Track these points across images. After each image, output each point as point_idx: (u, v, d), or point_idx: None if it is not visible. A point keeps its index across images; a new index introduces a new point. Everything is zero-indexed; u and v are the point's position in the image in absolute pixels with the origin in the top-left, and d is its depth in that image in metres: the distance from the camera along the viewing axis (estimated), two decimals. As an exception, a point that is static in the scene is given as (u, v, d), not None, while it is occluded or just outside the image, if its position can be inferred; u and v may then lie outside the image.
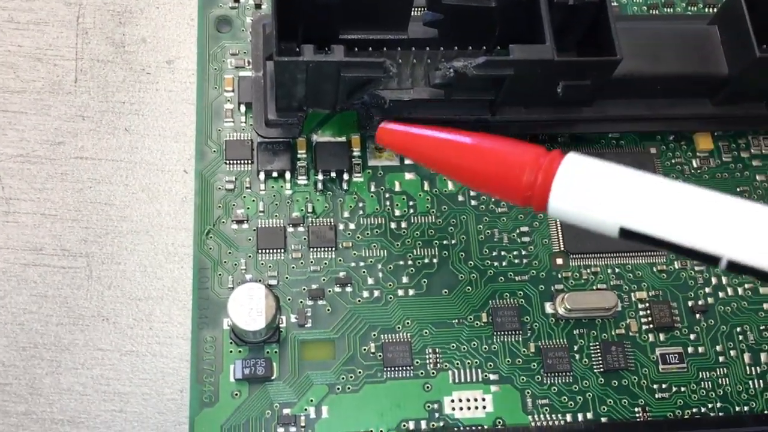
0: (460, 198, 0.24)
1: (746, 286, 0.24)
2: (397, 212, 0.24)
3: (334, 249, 0.23)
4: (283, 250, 0.23)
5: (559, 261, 0.24)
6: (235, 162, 0.24)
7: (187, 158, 0.24)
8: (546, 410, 0.22)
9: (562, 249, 0.24)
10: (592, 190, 0.17)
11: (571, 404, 0.22)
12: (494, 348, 0.22)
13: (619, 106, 0.24)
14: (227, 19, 0.25)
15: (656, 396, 0.22)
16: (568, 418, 0.22)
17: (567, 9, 0.22)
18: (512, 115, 0.24)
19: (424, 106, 0.23)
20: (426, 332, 0.22)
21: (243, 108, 0.24)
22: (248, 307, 0.20)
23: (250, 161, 0.24)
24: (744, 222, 0.16)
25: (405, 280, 0.23)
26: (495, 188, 0.19)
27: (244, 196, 0.23)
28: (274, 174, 0.23)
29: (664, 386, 0.22)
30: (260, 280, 0.22)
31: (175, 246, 0.23)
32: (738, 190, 0.25)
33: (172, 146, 0.24)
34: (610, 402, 0.22)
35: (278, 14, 0.21)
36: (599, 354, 0.22)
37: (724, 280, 0.24)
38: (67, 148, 0.24)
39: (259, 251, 0.23)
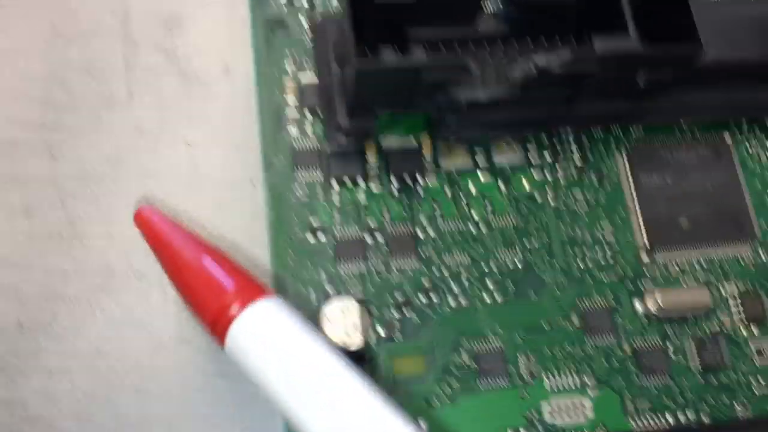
0: (538, 199, 0.23)
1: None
2: (476, 215, 0.23)
3: (415, 257, 0.22)
4: (363, 261, 0.22)
5: (645, 258, 0.23)
6: (305, 170, 0.23)
7: (253, 169, 0.23)
8: (647, 412, 0.21)
9: (647, 245, 0.23)
10: (260, 352, 0.18)
11: (671, 404, 0.21)
12: (588, 351, 0.22)
13: (694, 94, 0.24)
14: (281, 21, 0.24)
15: (757, 393, 0.22)
16: (669, 418, 0.21)
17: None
18: (588, 108, 0.23)
19: (498, 106, 0.22)
20: (518, 338, 0.22)
21: (308, 114, 0.23)
22: (343, 324, 0.20)
23: (320, 169, 0.23)
24: None
25: (491, 285, 0.22)
26: (195, 301, 0.19)
27: (318, 206, 0.22)
28: (347, 181, 0.23)
29: (762, 382, 0.22)
30: (340, 292, 0.21)
31: (250, 261, 0.22)
32: (816, 176, 0.24)
33: (236, 157, 0.23)
34: (709, 400, 0.22)
35: (353, 18, 0.20)
36: (695, 352, 0.22)
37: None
38: (128, 165, 0.23)
39: (339, 263, 0.22)
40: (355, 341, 0.19)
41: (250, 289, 0.18)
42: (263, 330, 0.18)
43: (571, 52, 0.20)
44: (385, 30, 0.21)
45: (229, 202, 0.23)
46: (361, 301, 0.21)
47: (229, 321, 0.18)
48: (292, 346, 0.18)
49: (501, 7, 0.22)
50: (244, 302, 0.18)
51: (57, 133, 0.23)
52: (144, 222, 0.20)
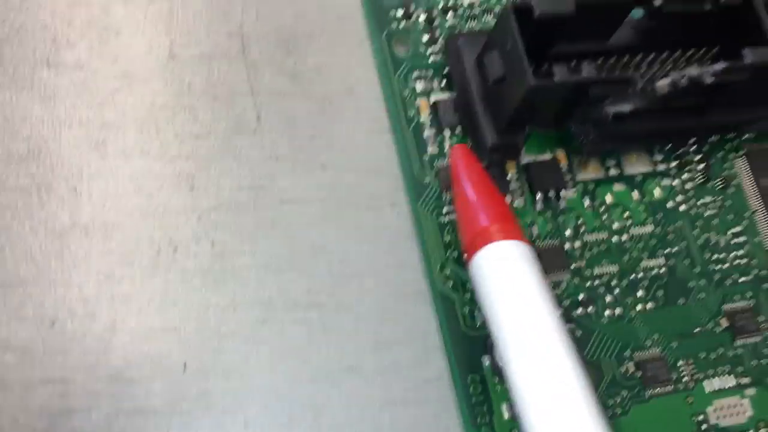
0: (670, 204, 0.24)
1: None
2: (616, 225, 0.23)
3: (567, 270, 0.22)
4: (519, 277, 0.22)
5: (775, 257, 0.24)
6: (451, 189, 0.22)
7: (393, 191, 0.23)
8: (799, 407, 0.22)
9: (776, 245, 0.24)
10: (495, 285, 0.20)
11: (820, 398, 0.22)
12: (739, 352, 0.22)
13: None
14: (402, 39, 0.24)
15: None
16: (819, 411, 0.22)
17: (772, 9, 0.23)
18: (717, 117, 0.24)
19: (637, 117, 0.23)
20: (674, 344, 0.22)
21: (447, 132, 0.23)
22: (531, 343, 0.20)
23: (466, 187, 0.23)
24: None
25: (641, 293, 0.23)
26: (467, 218, 0.21)
27: (467, 225, 0.22)
28: (494, 199, 0.23)
29: None
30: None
31: (405, 285, 0.22)
32: None
33: (374, 179, 0.23)
34: None
35: (522, 35, 0.20)
36: (834, 345, 0.23)
37: None
38: (268, 192, 0.22)
39: (496, 281, 0.22)
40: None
41: (514, 230, 0.20)
42: (506, 263, 0.20)
43: (726, 63, 0.21)
44: (535, 46, 0.21)
45: (373, 225, 0.23)
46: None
47: (485, 243, 0.20)
48: (524, 287, 0.19)
49: (640, 20, 0.23)
50: (505, 236, 0.20)
51: (192, 163, 0.22)
52: (453, 158, 0.22)
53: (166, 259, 0.21)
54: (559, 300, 0.22)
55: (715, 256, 0.23)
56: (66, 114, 0.22)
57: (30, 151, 0.21)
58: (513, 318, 0.19)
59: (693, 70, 0.21)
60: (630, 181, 0.24)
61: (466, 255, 0.21)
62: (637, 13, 0.23)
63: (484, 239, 0.20)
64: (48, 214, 0.21)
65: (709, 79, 0.21)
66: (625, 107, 0.22)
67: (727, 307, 0.23)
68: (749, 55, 0.21)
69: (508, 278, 0.20)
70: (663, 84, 0.22)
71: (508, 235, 0.20)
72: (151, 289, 0.21)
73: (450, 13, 0.24)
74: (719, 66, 0.21)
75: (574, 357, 0.19)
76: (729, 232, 0.24)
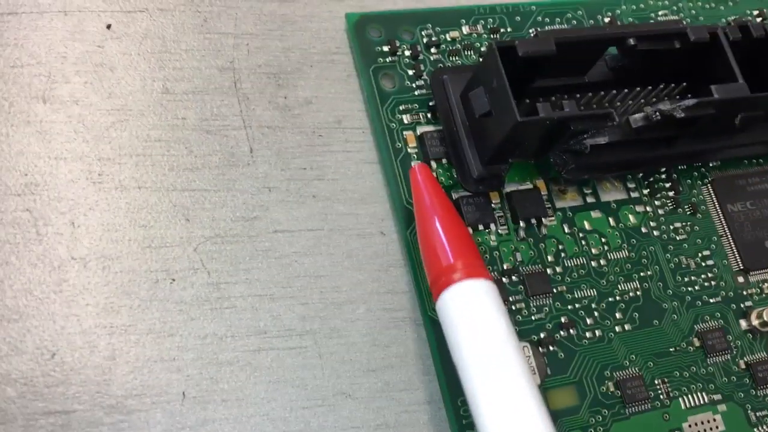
0: (644, 230, 0.25)
1: None
2: (594, 250, 0.24)
3: (550, 294, 0.23)
4: (505, 302, 0.23)
5: (741, 279, 0.25)
6: (438, 219, 0.23)
7: (381, 220, 0.24)
8: (767, 420, 0.24)
9: (741, 267, 0.25)
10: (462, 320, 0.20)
11: (786, 412, 0.24)
12: (711, 370, 0.24)
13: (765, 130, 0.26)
14: (388, 73, 0.25)
15: None
16: (786, 425, 0.24)
17: (739, 46, 0.24)
18: (685, 147, 0.25)
19: (612, 148, 0.24)
20: (651, 364, 0.23)
21: (434, 163, 0.24)
22: (519, 367, 0.21)
23: (452, 216, 0.24)
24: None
25: (618, 316, 0.24)
26: (430, 256, 0.21)
27: (454, 253, 0.23)
28: (479, 227, 0.24)
29: None
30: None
31: (396, 310, 0.23)
32: None
33: (363, 209, 0.24)
34: (818, 404, 0.24)
35: (508, 75, 0.21)
36: (798, 361, 0.24)
37: None
38: (262, 222, 0.23)
39: (483, 306, 0.23)
40: (536, 381, 0.20)
41: (476, 268, 0.21)
42: (470, 301, 0.20)
43: (696, 99, 0.22)
44: (517, 82, 0.22)
45: (362, 253, 0.23)
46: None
47: (449, 283, 0.20)
48: (486, 325, 0.20)
49: (614, 57, 0.24)
50: (467, 274, 0.20)
51: (187, 195, 0.23)
52: (414, 177, 0.22)
53: (164, 290, 0.22)
54: (542, 323, 0.23)
55: (686, 279, 0.25)
56: (62, 148, 0.22)
57: (27, 186, 0.22)
58: (478, 360, 0.19)
59: (664, 105, 0.23)
60: (606, 208, 0.25)
61: (432, 289, 0.21)
62: (612, 50, 0.24)
63: (447, 279, 0.20)
64: (46, 248, 0.21)
65: (680, 114, 0.22)
66: (602, 139, 0.23)
67: (698, 327, 0.24)
68: (717, 92, 0.23)
69: (470, 321, 0.20)
70: (637, 118, 0.23)
71: (470, 272, 0.20)
72: (149, 320, 0.21)
73: (433, 49, 0.26)
74: (690, 102, 0.22)
75: (538, 397, 0.19)
76: (698, 256, 0.25)
